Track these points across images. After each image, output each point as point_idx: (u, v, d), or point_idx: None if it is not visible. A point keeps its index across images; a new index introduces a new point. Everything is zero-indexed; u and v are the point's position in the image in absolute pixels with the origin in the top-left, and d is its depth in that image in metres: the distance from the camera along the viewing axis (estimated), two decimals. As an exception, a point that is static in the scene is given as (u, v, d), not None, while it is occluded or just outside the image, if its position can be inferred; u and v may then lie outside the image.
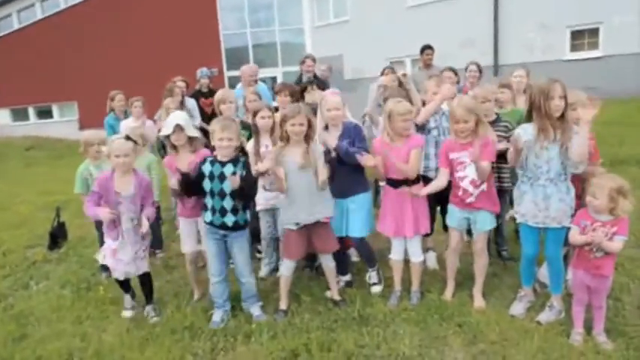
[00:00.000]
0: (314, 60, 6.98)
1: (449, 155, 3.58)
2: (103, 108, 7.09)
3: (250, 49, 18.93)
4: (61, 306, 4.20)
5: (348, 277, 4.18)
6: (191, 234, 4.02)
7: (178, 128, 3.83)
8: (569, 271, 3.48)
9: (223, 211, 3.57)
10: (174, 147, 3.91)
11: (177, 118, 3.94)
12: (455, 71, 5.86)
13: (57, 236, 5.78)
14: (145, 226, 3.65)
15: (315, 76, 6.71)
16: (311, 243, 3.74)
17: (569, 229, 3.17)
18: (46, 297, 4.43)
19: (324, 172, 3.52)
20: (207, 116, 6.49)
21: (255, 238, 4.53)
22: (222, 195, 3.55)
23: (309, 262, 4.37)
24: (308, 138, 3.54)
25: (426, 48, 7.55)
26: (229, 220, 3.58)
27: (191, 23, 17.86)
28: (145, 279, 3.91)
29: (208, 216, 3.62)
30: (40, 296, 4.48)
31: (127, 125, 5.77)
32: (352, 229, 3.90)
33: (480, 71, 6.09)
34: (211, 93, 6.64)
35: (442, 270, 4.17)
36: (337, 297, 3.86)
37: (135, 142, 3.73)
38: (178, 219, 4.18)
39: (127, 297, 3.97)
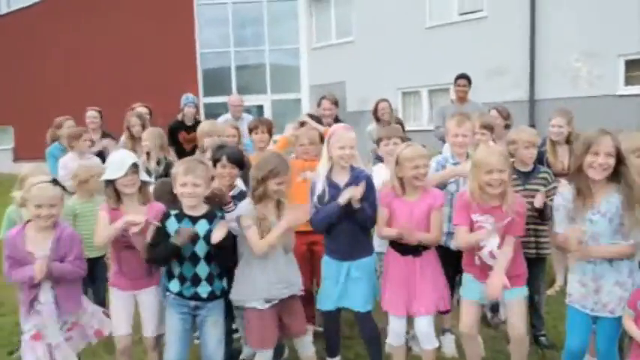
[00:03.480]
0: (335, 103, 6.69)
1: (469, 212, 3.49)
2: (46, 135, 7.04)
3: (233, 71, 19.18)
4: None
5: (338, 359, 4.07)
6: (128, 312, 3.73)
7: (133, 169, 3.59)
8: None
9: (196, 280, 3.48)
10: (118, 196, 3.63)
11: (130, 155, 3.72)
12: (503, 113, 5.79)
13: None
14: (37, 271, 3.21)
15: (337, 118, 6.63)
16: (280, 326, 3.61)
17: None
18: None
19: (289, 234, 3.53)
20: (187, 154, 6.38)
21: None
22: (194, 260, 3.44)
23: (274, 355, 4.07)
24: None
25: (460, 77, 7.63)
26: (204, 290, 3.49)
27: (162, 39, 18.12)
28: None
29: (175, 285, 3.50)
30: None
31: (67, 164, 5.69)
32: (355, 301, 3.78)
33: (508, 117, 5.97)
34: (198, 125, 6.60)
35: (463, 357, 4.01)
36: None
37: (63, 187, 3.59)
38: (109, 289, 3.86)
39: None
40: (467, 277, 3.63)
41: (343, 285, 3.78)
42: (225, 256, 3.53)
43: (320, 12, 18.50)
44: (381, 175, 4.15)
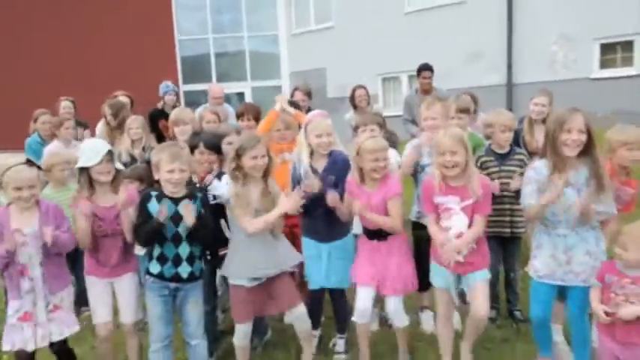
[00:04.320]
0: (308, 94, 6.62)
1: (432, 198, 3.57)
2: (23, 125, 7.03)
3: (212, 58, 19.10)
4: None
5: (319, 332, 4.22)
6: (106, 299, 3.75)
7: (108, 157, 3.61)
8: (594, 334, 3.50)
9: (177, 260, 3.54)
10: (91, 184, 3.64)
11: (103, 144, 3.74)
12: (474, 98, 5.87)
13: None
14: (48, 235, 3.29)
15: (309, 110, 6.62)
16: (269, 302, 3.70)
17: None
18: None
19: (279, 218, 3.53)
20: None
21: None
22: (176, 240, 3.51)
23: (257, 334, 4.18)
24: (267, 173, 3.56)
25: (423, 69, 7.49)
26: (184, 270, 3.56)
27: (140, 25, 17.90)
28: (64, 349, 3.66)
29: (155, 267, 3.55)
30: None
31: (51, 151, 5.71)
32: (334, 279, 3.93)
33: (475, 103, 6.01)
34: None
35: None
36: None
37: (39, 167, 3.59)
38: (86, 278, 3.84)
39: None
40: (433, 266, 3.71)
41: (326, 266, 3.92)
42: (205, 235, 3.58)
43: (299, -3, 18.49)
44: None
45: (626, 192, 3.63)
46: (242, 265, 3.60)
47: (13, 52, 18.03)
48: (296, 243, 4.33)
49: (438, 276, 3.68)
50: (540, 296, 3.43)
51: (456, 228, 3.49)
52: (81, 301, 4.97)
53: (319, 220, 3.89)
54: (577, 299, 3.34)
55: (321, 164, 3.89)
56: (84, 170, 3.60)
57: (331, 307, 4.28)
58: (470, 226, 3.47)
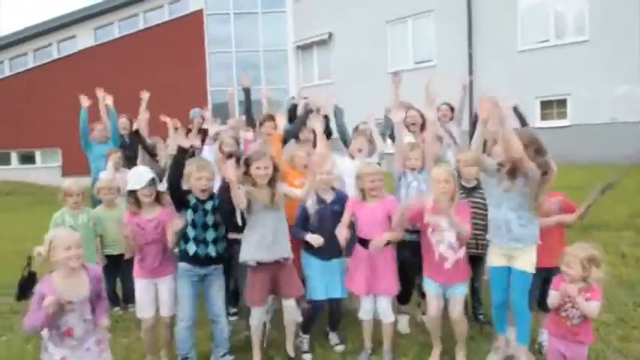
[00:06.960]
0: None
1: (425, 218, 3.52)
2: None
3: (237, 105, 19.16)
4: (22, 362, 3.93)
5: (309, 336, 4.02)
6: (150, 297, 3.65)
7: (151, 182, 3.55)
8: (545, 335, 3.42)
9: (206, 243, 3.54)
10: (138, 203, 3.58)
11: (147, 171, 3.66)
12: (452, 107, 6.03)
13: (26, 286, 5.50)
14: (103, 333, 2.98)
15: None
16: (276, 287, 3.60)
17: (533, 274, 3.26)
18: (7, 352, 4.16)
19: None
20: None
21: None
22: (205, 227, 3.54)
23: None
24: (273, 181, 3.50)
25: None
26: (212, 250, 3.57)
27: (181, 78, 18.16)
28: None
29: (192, 247, 3.52)
30: (2, 350, 4.20)
31: (102, 177, 5.66)
32: (335, 290, 3.81)
33: (452, 110, 6.13)
34: (204, 133, 6.13)
35: (416, 334, 4.10)
36: (292, 353, 3.74)
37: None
38: (134, 280, 3.73)
39: None
40: (425, 279, 3.64)
41: (329, 279, 3.78)
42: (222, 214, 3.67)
43: (305, 59, 18.66)
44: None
45: (554, 202, 3.51)
46: (249, 250, 3.53)
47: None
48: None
49: (430, 284, 3.60)
50: (496, 282, 3.44)
51: (446, 242, 3.47)
52: (127, 299, 4.91)
53: (324, 241, 3.72)
54: (518, 283, 3.32)
55: (328, 197, 3.84)
56: (132, 192, 3.57)
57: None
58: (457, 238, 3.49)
